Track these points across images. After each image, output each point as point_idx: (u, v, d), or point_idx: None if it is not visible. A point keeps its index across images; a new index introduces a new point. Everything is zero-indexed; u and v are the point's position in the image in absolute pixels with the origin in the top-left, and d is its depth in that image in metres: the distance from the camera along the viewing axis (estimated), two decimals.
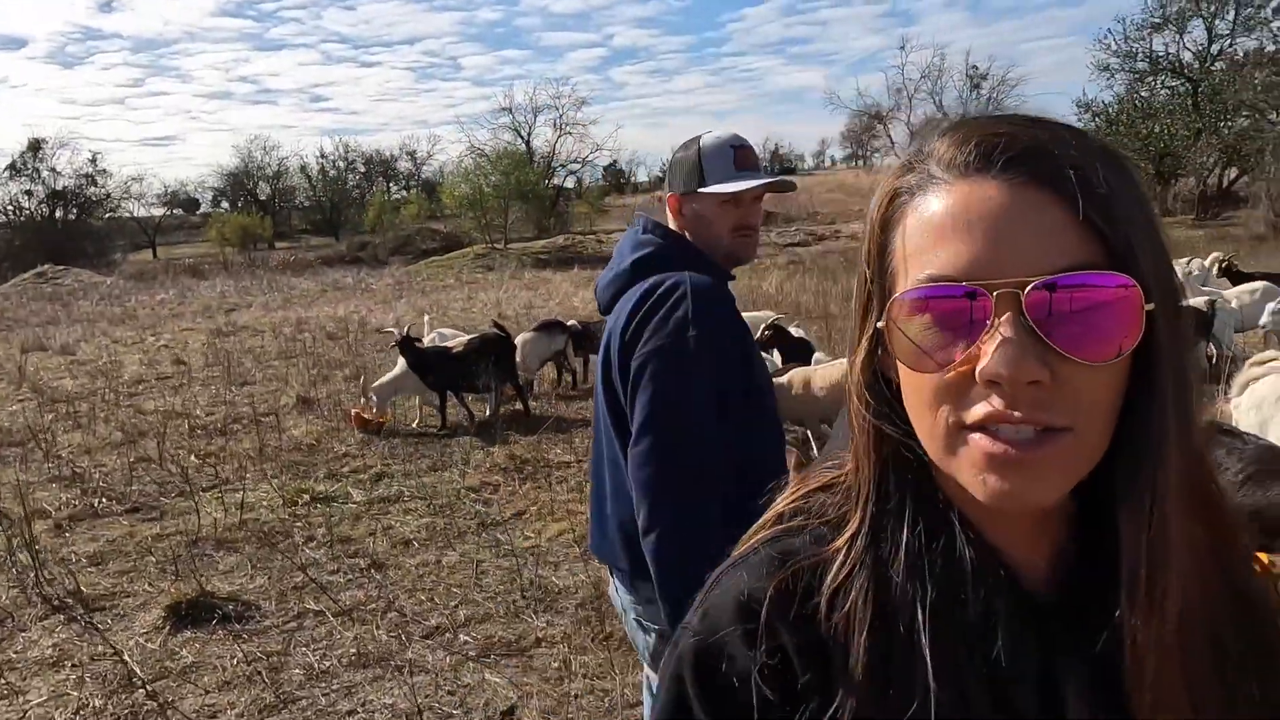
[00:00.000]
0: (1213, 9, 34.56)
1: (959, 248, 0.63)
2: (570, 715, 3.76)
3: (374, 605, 4.95)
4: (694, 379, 1.84)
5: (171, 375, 12.45)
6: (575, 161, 49.52)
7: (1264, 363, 5.79)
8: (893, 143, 47.60)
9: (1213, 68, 34.50)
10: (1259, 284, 9.26)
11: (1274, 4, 32.67)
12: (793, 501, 0.79)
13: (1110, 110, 38.03)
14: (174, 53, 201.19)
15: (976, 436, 0.62)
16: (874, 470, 0.72)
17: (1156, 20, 35.56)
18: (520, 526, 6.06)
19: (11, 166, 48.85)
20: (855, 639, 0.67)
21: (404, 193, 58.86)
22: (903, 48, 59.59)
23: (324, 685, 4.13)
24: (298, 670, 4.28)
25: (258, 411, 9.63)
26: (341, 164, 55.90)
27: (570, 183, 52.05)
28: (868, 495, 0.72)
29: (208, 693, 4.09)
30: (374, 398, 8.74)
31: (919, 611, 0.66)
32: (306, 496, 6.82)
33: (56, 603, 5.14)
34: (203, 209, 66.09)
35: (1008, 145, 0.63)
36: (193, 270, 38.44)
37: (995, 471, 0.62)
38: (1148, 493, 0.63)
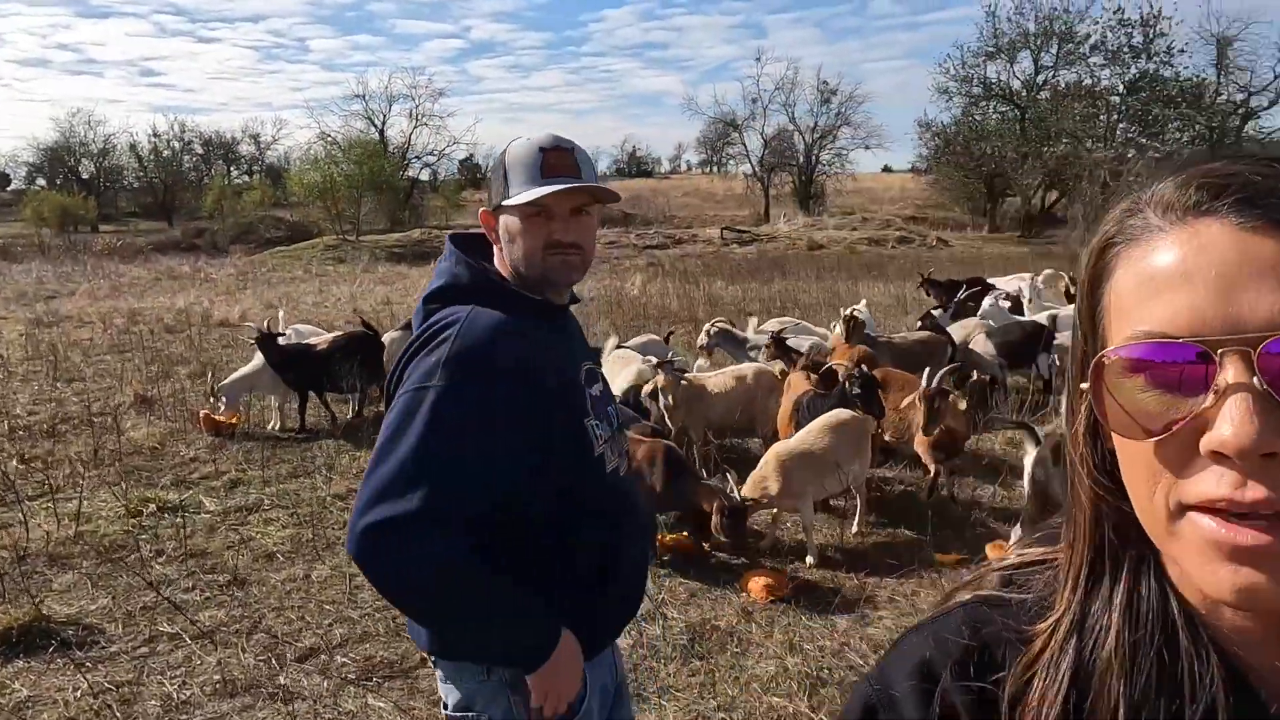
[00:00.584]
0: (1039, 43, 37.27)
1: (1179, 300, 0.55)
2: None
3: (238, 626, 4.59)
4: (423, 434, 1.59)
5: None
6: (431, 154, 48.39)
7: None
8: (747, 150, 48.87)
9: (1038, 96, 37.18)
10: None
11: (1091, 42, 35.62)
12: (1001, 570, 0.73)
13: (948, 131, 40.37)
14: None
15: (1202, 519, 0.54)
16: (1088, 549, 0.65)
17: (990, 49, 38.08)
18: None
19: None
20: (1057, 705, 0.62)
21: (246, 178, 55.81)
22: (759, 59, 61.46)
23: (185, 718, 3.78)
24: (154, 702, 3.91)
25: (91, 411, 8.84)
26: (177, 144, 52.39)
27: (426, 175, 50.80)
28: (1078, 577, 0.65)
29: None
30: (223, 398, 8.17)
31: (1120, 717, 0.59)
32: (152, 506, 6.28)
33: None
34: (14, 185, 60.38)
35: (1239, 185, 0.56)
36: (3, 252, 35.05)
37: (1227, 562, 0.53)
38: None
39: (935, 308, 9.83)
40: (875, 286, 19.44)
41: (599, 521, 1.83)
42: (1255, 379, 0.52)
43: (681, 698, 3.87)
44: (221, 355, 11.98)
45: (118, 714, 3.79)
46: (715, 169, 59.56)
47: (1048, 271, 11.95)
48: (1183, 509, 0.56)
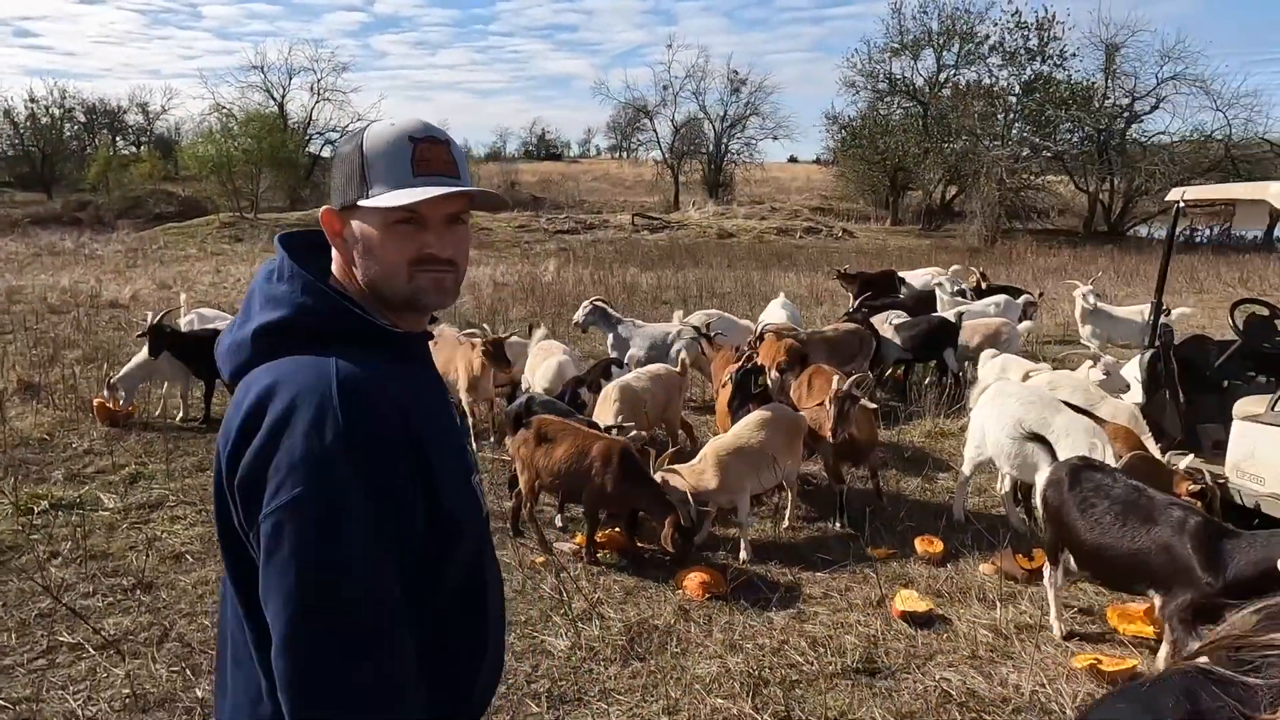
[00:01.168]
0: (941, 41, 38.26)
1: None
2: None
3: (146, 635, 4.31)
4: (335, 574, 1.22)
5: None
6: (334, 130, 46.72)
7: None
8: (657, 136, 48.84)
9: (940, 94, 38.19)
10: (1000, 297, 10.31)
11: (990, 42, 36.74)
12: (1223, 643, 0.67)
13: (854, 124, 41.16)
14: None
15: None
16: None
17: (896, 46, 38.86)
18: None
19: None
20: None
21: (134, 149, 52.81)
22: (669, 46, 61.54)
23: None
24: (56, 719, 3.62)
25: None
26: (57, 111, 49.15)
27: (328, 152, 49.08)
28: None
29: None
30: (120, 391, 7.67)
31: None
32: (45, 503, 5.87)
33: None
34: None
35: None
36: None
37: None
38: None
39: (862, 302, 9.96)
40: (787, 276, 19.69)
41: (486, 584, 1.56)
42: None
43: (624, 701, 3.80)
44: (114, 338, 11.31)
45: None
46: (625, 154, 59.39)
47: (955, 267, 12.27)
48: None
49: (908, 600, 4.49)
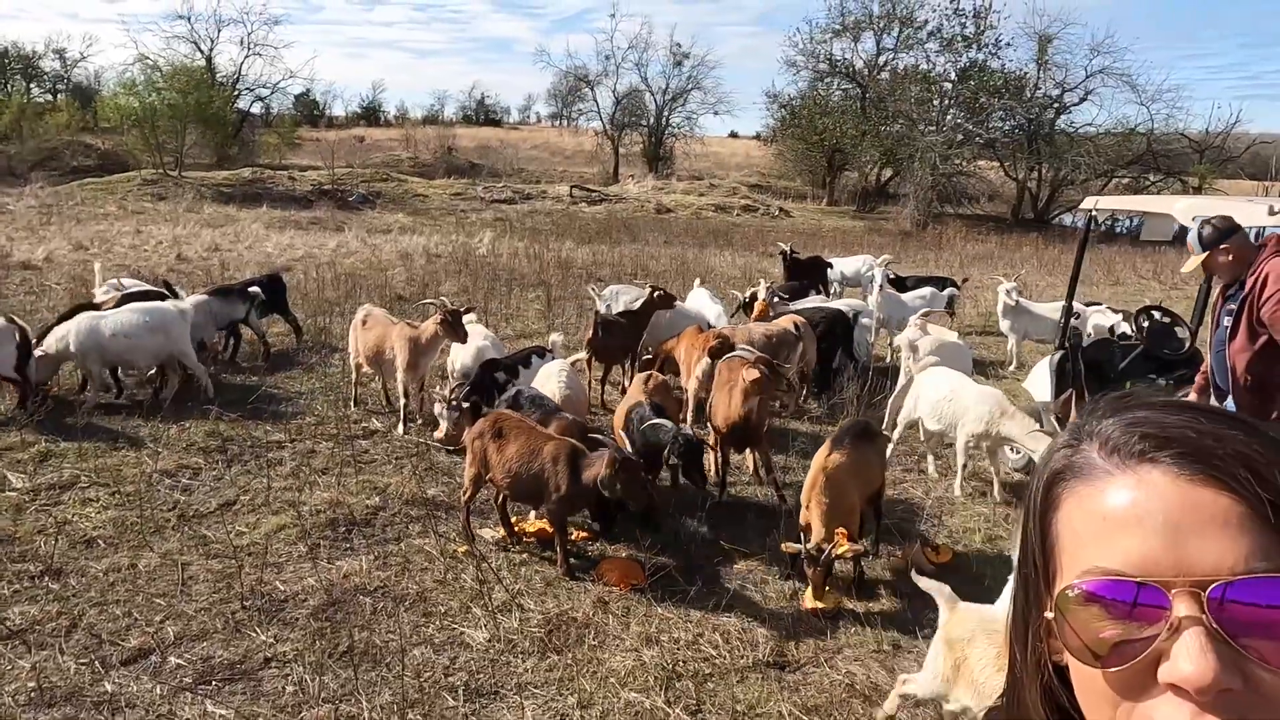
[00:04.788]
0: (882, 25, 38.65)
1: (1133, 541, 0.61)
2: None
3: (54, 624, 4.22)
4: None
5: None
6: (265, 86, 45.33)
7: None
8: (598, 107, 48.46)
9: (878, 77, 38.63)
10: (926, 290, 10.57)
11: (929, 28, 37.24)
12: None
13: (794, 103, 41.40)
14: None
15: None
16: None
17: (837, 27, 39.13)
18: (231, 519, 5.46)
19: None
20: None
21: (50, 97, 50.43)
22: (613, 15, 60.86)
23: None
24: None
25: None
26: None
27: (258, 109, 47.62)
28: None
29: None
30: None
31: None
32: None
33: None
34: None
35: (1179, 439, 0.62)
36: None
37: None
38: None
39: (775, 291, 10.05)
40: (723, 256, 19.82)
41: None
42: (1205, 617, 0.57)
43: (539, 694, 3.87)
44: (25, 302, 10.87)
45: None
46: (565, 123, 58.76)
47: (885, 256, 12.50)
48: None
49: (822, 597, 4.63)
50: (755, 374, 5.63)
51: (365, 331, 7.42)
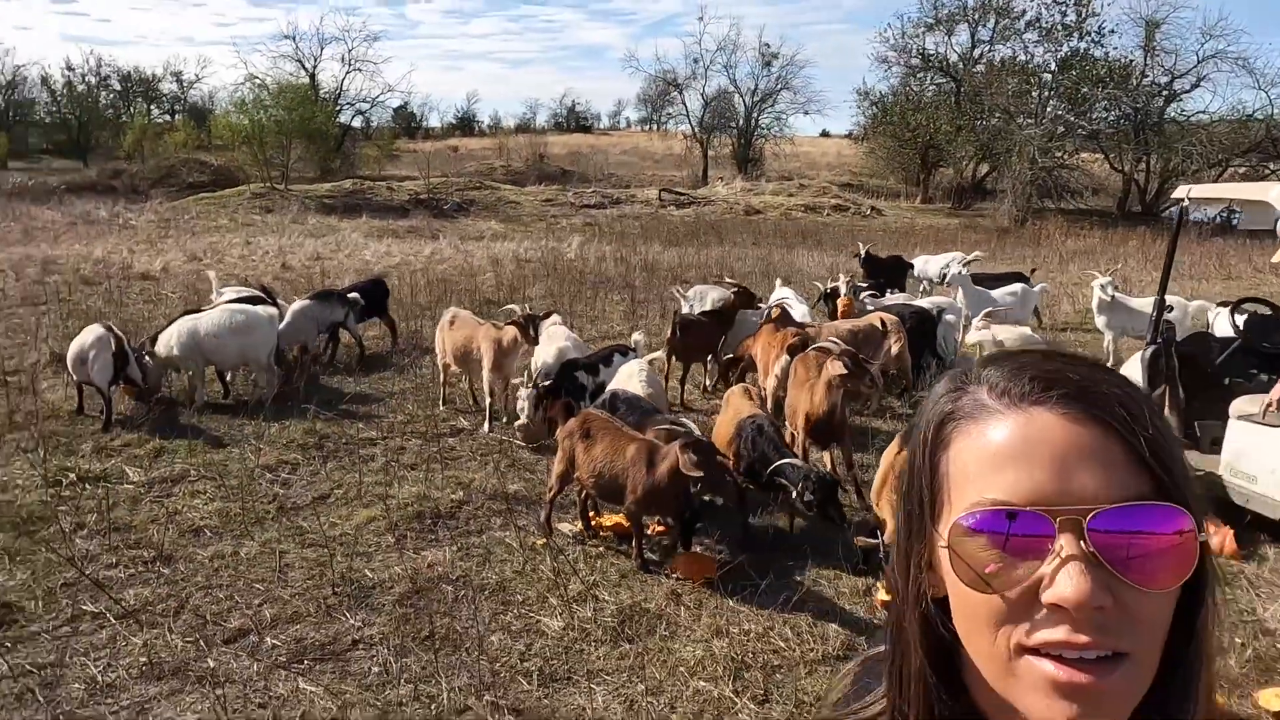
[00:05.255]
0: (977, 16, 37.69)
1: (1021, 474, 0.66)
2: None
3: (164, 605, 4.54)
4: None
5: None
6: (364, 100, 46.99)
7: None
8: (687, 110, 48.59)
9: (974, 70, 37.66)
10: (1017, 286, 10.31)
11: (1026, 18, 36.14)
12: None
13: (885, 100, 40.72)
14: None
15: (1039, 660, 0.65)
16: (914, 692, 0.73)
17: (930, 21, 38.34)
18: (326, 512, 5.74)
19: None
20: None
21: (168, 117, 53.47)
22: (701, 18, 60.92)
23: (111, 701, 3.76)
24: (77, 685, 3.87)
25: (4, 369, 8.53)
26: (93, 79, 49.87)
27: (358, 122, 49.37)
28: (920, 713, 0.73)
29: None
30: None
31: None
32: (72, 475, 6.13)
33: None
34: None
35: (1063, 381, 0.68)
36: None
37: (1062, 697, 0.64)
38: (1196, 712, 0.70)
39: (868, 285, 9.98)
40: (810, 255, 19.67)
41: None
42: (1084, 543, 0.63)
43: (611, 681, 3.98)
44: (143, 311, 11.59)
45: (40, 698, 3.74)
46: (655, 127, 59.09)
47: (976, 253, 12.22)
48: (1021, 651, 0.65)
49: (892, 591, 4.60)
50: (839, 366, 5.62)
51: (452, 332, 7.69)
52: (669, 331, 7.96)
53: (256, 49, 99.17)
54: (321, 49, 45.52)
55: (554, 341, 7.40)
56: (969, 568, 0.66)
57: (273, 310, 8.05)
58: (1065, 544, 0.63)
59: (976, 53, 38.35)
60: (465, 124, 67.51)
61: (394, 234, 23.13)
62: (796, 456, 5.43)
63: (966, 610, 0.69)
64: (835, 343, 6.03)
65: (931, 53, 38.95)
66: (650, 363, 6.94)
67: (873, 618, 4.52)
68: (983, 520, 0.65)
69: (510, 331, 7.13)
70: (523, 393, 6.73)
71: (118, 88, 52.67)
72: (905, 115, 37.79)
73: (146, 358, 7.63)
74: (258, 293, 9.27)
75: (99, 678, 3.90)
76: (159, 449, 6.77)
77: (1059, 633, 0.64)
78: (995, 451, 0.67)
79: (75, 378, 7.37)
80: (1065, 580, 0.63)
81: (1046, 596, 0.63)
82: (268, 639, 4.24)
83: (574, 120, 70.53)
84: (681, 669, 4.04)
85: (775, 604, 4.63)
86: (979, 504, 0.66)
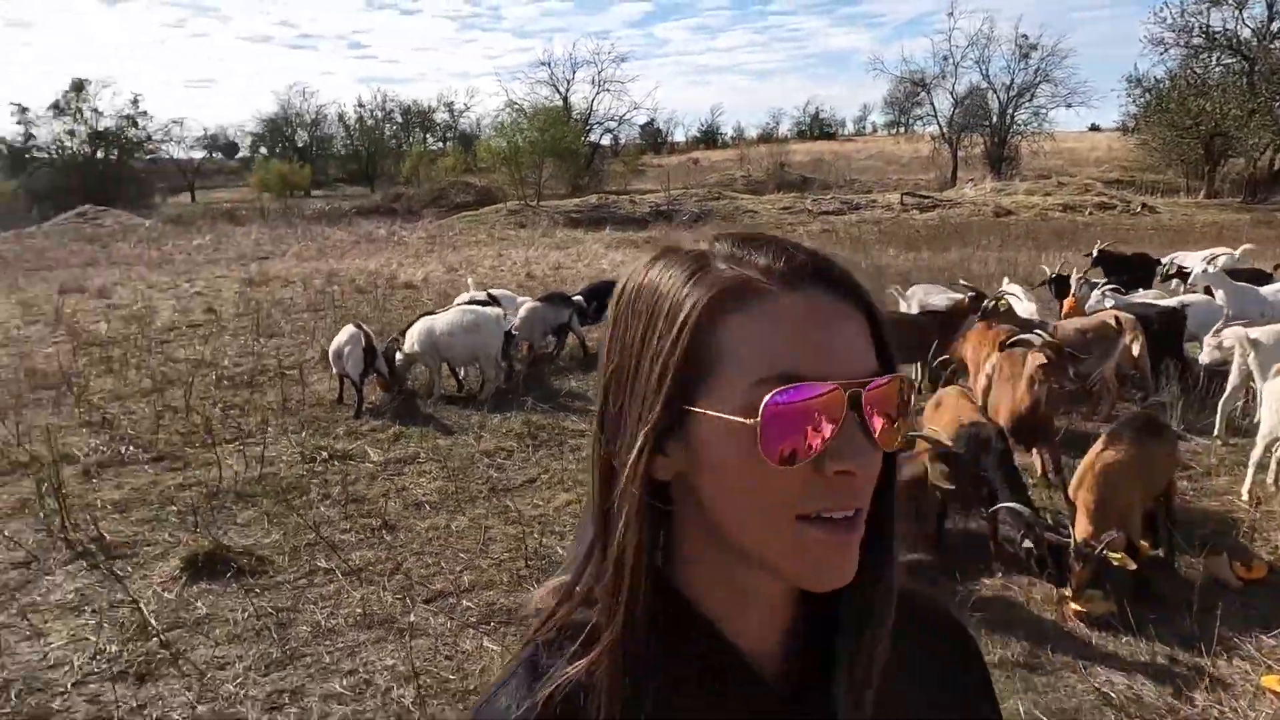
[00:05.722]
0: None
1: (807, 349, 0.68)
2: None
3: (382, 566, 5.09)
4: None
5: (202, 324, 12.68)
6: (612, 119, 49.24)
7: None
8: (935, 111, 46.71)
9: (1269, 46, 33.36)
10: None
11: None
12: (550, 623, 0.77)
13: (1162, 86, 37.00)
14: None
15: (815, 526, 0.68)
16: (630, 578, 0.71)
17: None
18: (530, 494, 6.17)
19: (55, 106, 49.53)
20: None
21: (440, 145, 58.98)
22: (950, 14, 58.24)
23: (329, 643, 4.28)
24: (305, 627, 4.43)
25: (283, 364, 9.83)
26: (379, 114, 56.17)
27: (607, 140, 51.77)
28: (625, 605, 0.71)
29: (218, 645, 4.26)
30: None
31: (671, 712, 0.72)
32: (325, 454, 6.98)
33: (80, 549, 5.33)
34: (241, 154, 66.59)
35: (827, 267, 0.72)
36: (230, 216, 38.73)
37: (835, 554, 0.69)
38: (890, 561, 0.77)
39: (1110, 283, 9.19)
40: (1062, 257, 18.29)
41: None
42: (863, 415, 0.68)
43: None
44: (401, 316, 12.87)
45: (274, 635, 4.33)
46: (901, 130, 57.24)
47: (1246, 246, 10.86)
48: (795, 519, 0.69)
49: (1087, 601, 4.27)
50: (1041, 358, 5.30)
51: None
52: None
53: (516, 78, 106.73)
54: (574, 72, 48.36)
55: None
56: (761, 440, 0.66)
57: (498, 311, 8.70)
58: (850, 415, 0.67)
59: (1274, 26, 33.92)
60: (709, 136, 68.89)
61: (632, 244, 24.06)
62: (1022, 479, 4.89)
63: (741, 486, 0.69)
64: (1040, 335, 5.65)
65: (1217, 30, 34.93)
66: None
67: (1064, 625, 4.22)
68: (780, 395, 0.66)
69: None
70: None
71: (399, 120, 58.89)
72: (1185, 101, 34.15)
73: (396, 353, 8.54)
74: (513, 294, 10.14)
75: (322, 623, 4.46)
76: (398, 434, 7.54)
77: (839, 498, 0.68)
78: (780, 327, 0.69)
79: (334, 370, 8.37)
80: (854, 450, 0.67)
81: (839, 465, 0.67)
82: (463, 601, 4.65)
83: (817, 127, 69.90)
84: None
85: (959, 605, 4.44)
86: (765, 381, 0.67)
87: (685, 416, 0.70)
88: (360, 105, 56.69)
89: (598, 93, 48.25)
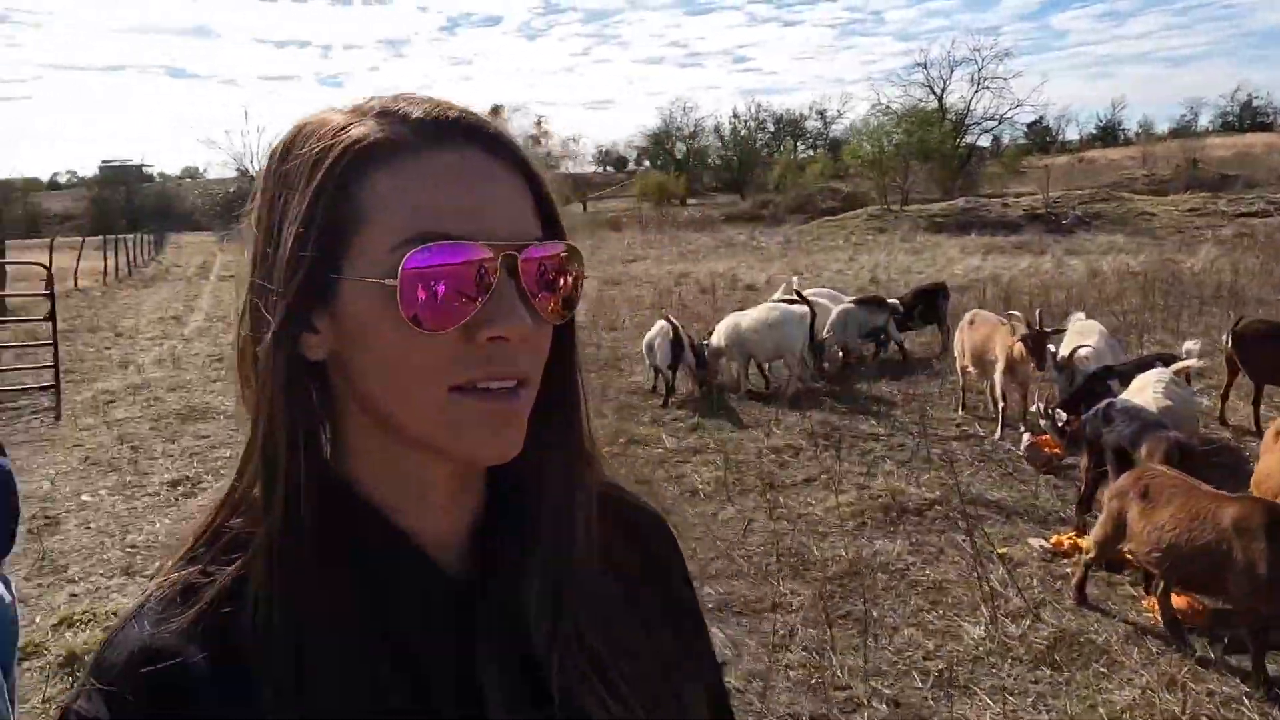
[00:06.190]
0: None
1: (459, 208, 0.63)
2: (772, 684, 3.78)
3: None
4: None
5: None
6: (992, 118, 46.22)
7: None
8: None
9: None
10: None
11: None
12: (206, 534, 0.70)
13: None
14: (617, 21, 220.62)
15: (470, 397, 0.63)
16: (286, 469, 0.65)
17: None
18: (804, 493, 6.07)
19: None
20: (274, 649, 0.63)
21: (810, 152, 59.43)
22: None
23: None
24: None
25: (616, 355, 10.57)
26: (752, 124, 57.92)
27: (985, 141, 48.74)
28: (280, 500, 0.65)
29: None
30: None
31: (335, 610, 0.65)
32: (623, 438, 7.40)
33: None
34: (630, 167, 72.31)
35: (477, 121, 0.67)
36: (612, 224, 42.24)
37: (499, 427, 0.65)
38: (579, 439, 0.74)
39: None
40: None
41: None
42: (519, 279, 0.64)
43: (1013, 702, 3.59)
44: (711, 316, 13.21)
45: None
46: None
47: None
48: (448, 391, 0.63)
49: None
50: None
51: (971, 332, 7.43)
52: (1224, 339, 6.57)
53: (889, 81, 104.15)
54: (951, 72, 46.07)
55: (1085, 337, 6.68)
56: (400, 304, 0.61)
57: (804, 309, 8.61)
58: (505, 280, 0.63)
59: None
60: (1107, 133, 62.08)
61: (1000, 250, 22.43)
62: None
63: (390, 357, 0.63)
64: None
65: None
66: (1175, 373, 5.82)
67: None
68: (422, 255, 0.61)
69: (1019, 346, 6.65)
70: (1035, 407, 6.24)
71: (771, 129, 60.27)
72: None
73: (704, 347, 8.82)
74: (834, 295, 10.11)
75: None
76: (696, 425, 7.79)
77: (495, 367, 0.63)
78: (424, 184, 0.63)
79: (648, 362, 8.84)
80: (509, 315, 0.63)
81: (491, 330, 0.62)
82: (706, 587, 4.70)
83: (1248, 117, 59.97)
84: (1102, 710, 3.46)
85: (1243, 663, 3.65)
86: (410, 239, 0.61)
87: (331, 287, 0.64)
88: (734, 116, 59.03)
89: (976, 91, 45.56)
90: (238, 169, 55.91)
